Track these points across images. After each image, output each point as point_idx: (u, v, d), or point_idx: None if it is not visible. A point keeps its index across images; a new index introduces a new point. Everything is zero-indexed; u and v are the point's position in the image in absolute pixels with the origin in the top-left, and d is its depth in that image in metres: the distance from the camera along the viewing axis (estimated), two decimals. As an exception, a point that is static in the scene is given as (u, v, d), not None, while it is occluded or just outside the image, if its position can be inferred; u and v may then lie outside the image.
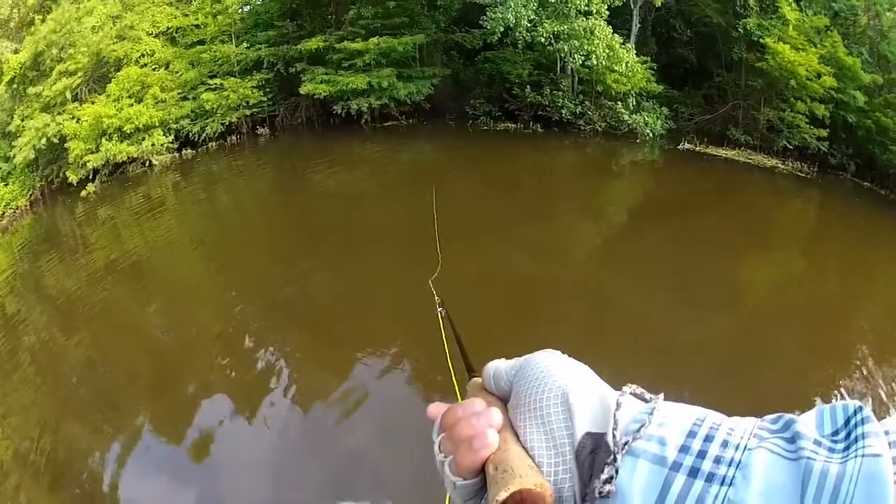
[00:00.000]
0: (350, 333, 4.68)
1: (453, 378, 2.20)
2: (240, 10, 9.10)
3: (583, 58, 8.85)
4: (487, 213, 5.95)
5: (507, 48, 10.18)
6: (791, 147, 8.09)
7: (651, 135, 8.69)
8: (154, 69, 8.98)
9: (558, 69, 10.21)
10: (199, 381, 4.60)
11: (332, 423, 3.87)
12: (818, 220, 7.12)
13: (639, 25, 10.29)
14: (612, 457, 0.34)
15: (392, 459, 3.48)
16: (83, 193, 8.93)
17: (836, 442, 0.30)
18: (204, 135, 8.39)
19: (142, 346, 5.52)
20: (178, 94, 8.68)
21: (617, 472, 0.33)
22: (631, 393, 0.37)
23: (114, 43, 9.44)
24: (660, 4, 9.06)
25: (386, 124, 8.72)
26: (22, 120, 9.92)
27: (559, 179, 7.84)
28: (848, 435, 0.30)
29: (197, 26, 9.48)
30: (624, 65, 8.85)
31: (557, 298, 4.82)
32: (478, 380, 0.47)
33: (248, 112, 8.32)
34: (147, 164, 8.47)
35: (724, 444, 0.32)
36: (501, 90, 9.74)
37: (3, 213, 10.25)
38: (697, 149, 8.38)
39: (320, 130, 8.74)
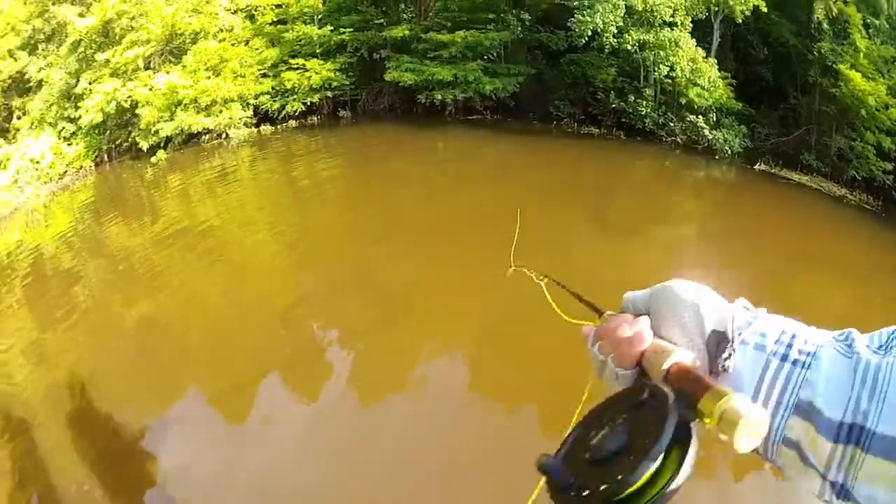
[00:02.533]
0: (420, 320, 4.82)
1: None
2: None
3: (667, 68, 8.85)
4: (565, 219, 5.94)
5: (591, 52, 10.17)
6: (859, 178, 8.05)
7: (729, 152, 8.70)
8: (232, 45, 8.91)
9: (642, 78, 10.18)
10: (255, 355, 4.67)
11: (395, 411, 3.94)
12: (875, 255, 7.07)
13: (718, 40, 10.31)
14: (730, 344, 0.49)
15: (460, 454, 3.44)
16: (153, 159, 8.98)
17: (880, 349, 0.45)
18: (283, 112, 8.43)
19: (200, 314, 5.71)
20: (258, 71, 8.74)
21: (732, 354, 0.48)
22: (742, 306, 0.51)
23: (189, 16, 9.36)
24: (741, 21, 9.06)
25: (470, 118, 8.77)
26: (89, 83, 9.93)
27: (639, 190, 7.82)
28: (888, 346, 0.45)
29: (278, 6, 9.49)
30: (706, 79, 8.85)
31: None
32: (611, 313, 0.58)
33: (329, 94, 8.38)
34: (224, 136, 8.54)
35: (805, 342, 0.47)
36: (585, 93, 9.79)
37: (66, 171, 10.25)
38: (772, 170, 8.40)
39: (403, 118, 8.74)
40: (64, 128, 10.92)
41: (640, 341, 0.50)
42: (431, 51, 9.42)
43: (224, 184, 8.61)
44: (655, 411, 0.45)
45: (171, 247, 7.40)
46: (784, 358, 0.47)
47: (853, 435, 0.42)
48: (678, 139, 10.23)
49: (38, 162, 11.11)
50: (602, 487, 0.43)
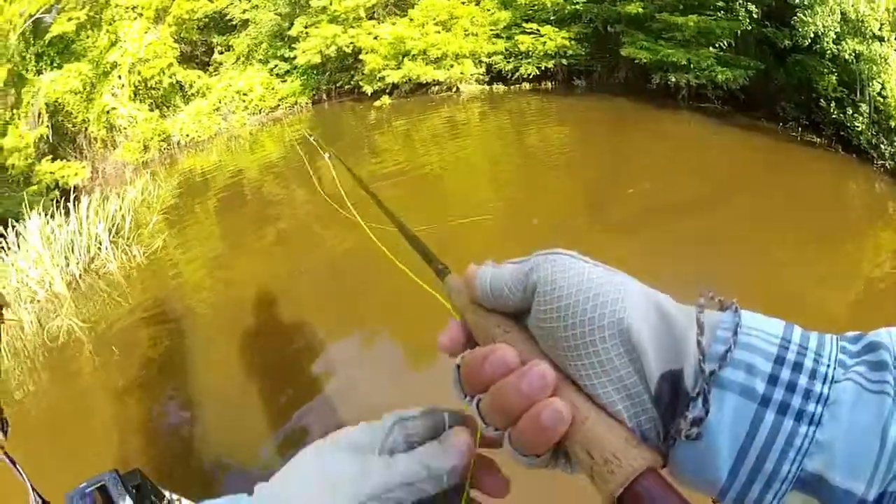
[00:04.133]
0: None
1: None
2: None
3: (879, 85, 8.46)
4: (775, 237, 5.34)
5: (814, 55, 9.79)
6: None
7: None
8: (462, 3, 9.01)
9: (858, 91, 9.78)
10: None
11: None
12: None
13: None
14: (699, 395, 0.31)
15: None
16: (377, 103, 9.27)
17: None
18: (517, 74, 8.42)
19: (401, 253, 5.42)
20: (491, 31, 8.72)
21: (707, 412, 0.30)
22: (703, 302, 0.33)
23: None
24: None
25: (701, 105, 8.53)
26: (305, 27, 10.22)
27: (849, 215, 7.24)
28: None
29: None
30: (915, 102, 8.41)
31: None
32: (457, 281, 0.42)
33: (564, 62, 8.36)
34: (454, 89, 8.75)
35: (813, 375, 0.30)
36: (810, 98, 9.34)
37: (278, 105, 10.68)
38: None
39: (636, 95, 8.66)
40: (277, 65, 11.47)
41: (556, 423, 0.31)
42: (665, 31, 9.29)
43: (451, 134, 8.79)
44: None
45: (388, 186, 7.56)
46: (784, 410, 0.30)
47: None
48: (887, 164, 9.80)
49: (245, 94, 11.66)
50: None
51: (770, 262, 4.84)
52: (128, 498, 1.56)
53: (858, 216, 6.71)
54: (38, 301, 6.17)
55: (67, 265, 6.61)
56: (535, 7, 9.79)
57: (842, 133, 10.94)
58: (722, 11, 10.91)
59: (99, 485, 1.59)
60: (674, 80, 9.46)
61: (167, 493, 1.82)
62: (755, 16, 11.37)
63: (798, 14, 10.39)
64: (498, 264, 0.37)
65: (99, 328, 5.28)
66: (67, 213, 7.32)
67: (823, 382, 0.30)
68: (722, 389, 0.30)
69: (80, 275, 6.55)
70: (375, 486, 0.36)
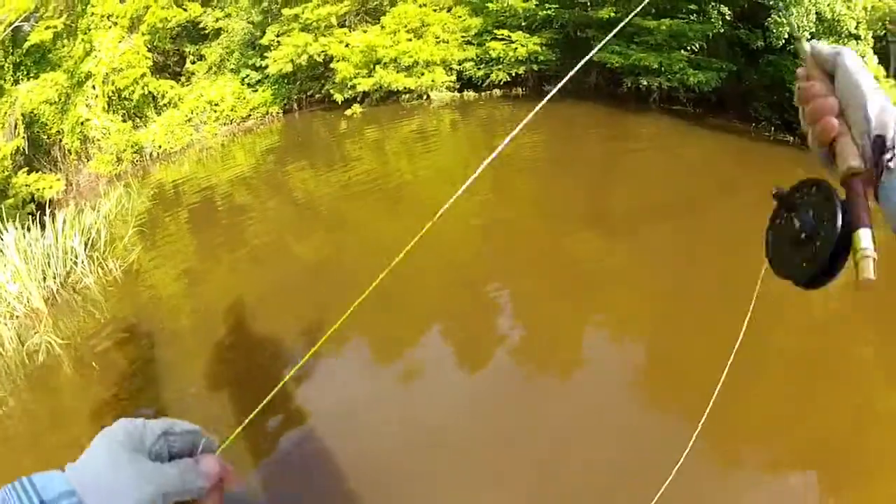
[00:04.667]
0: (605, 302, 4.70)
1: None
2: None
3: None
4: (748, 235, 5.37)
5: (787, 55, 9.80)
6: None
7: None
8: (434, 10, 8.94)
9: None
10: (426, 309, 4.82)
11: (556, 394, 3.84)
12: None
13: (896, 62, 10.01)
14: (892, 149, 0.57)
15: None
16: (348, 112, 9.18)
17: None
18: (488, 81, 8.33)
19: (375, 263, 5.38)
20: (462, 38, 8.66)
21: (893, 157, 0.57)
22: None
23: None
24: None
25: (673, 107, 8.52)
26: (277, 35, 10.13)
27: None
28: None
29: None
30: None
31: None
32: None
33: (535, 67, 8.30)
34: (425, 97, 8.65)
35: None
36: (783, 99, 9.36)
37: (249, 115, 10.55)
38: None
39: (607, 99, 8.64)
40: (248, 75, 11.38)
41: (829, 131, 0.61)
42: (637, 35, 9.26)
43: (422, 142, 8.73)
44: (831, 208, 0.59)
45: (359, 196, 7.71)
46: None
47: None
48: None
49: (216, 104, 11.52)
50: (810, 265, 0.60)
51: (743, 262, 4.82)
52: None
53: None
54: (18, 317, 6.07)
55: (44, 279, 6.52)
56: (507, 13, 9.74)
57: None
58: (694, 14, 10.96)
59: None
60: (645, 83, 9.44)
61: None
62: (728, 18, 11.41)
63: (772, 15, 10.43)
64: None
65: (77, 344, 5.23)
66: (43, 227, 7.18)
67: None
68: None
69: (57, 290, 6.47)
70: (156, 490, 0.46)
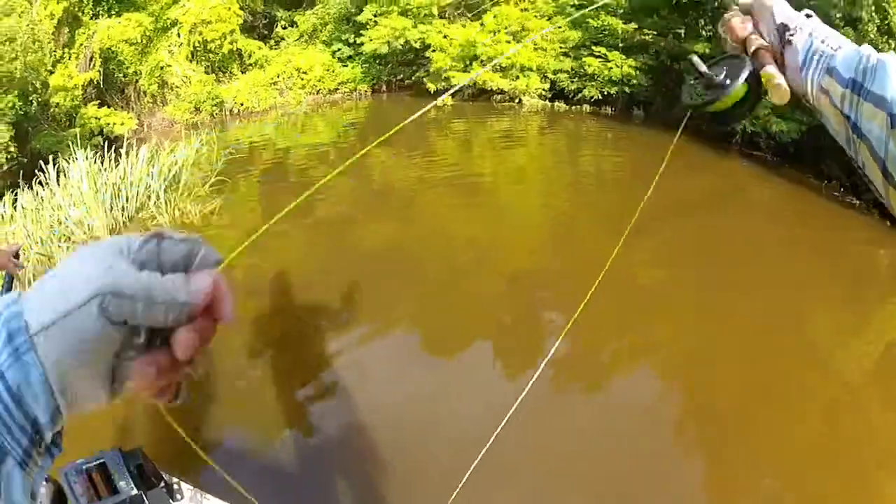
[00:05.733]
0: (661, 328, 4.67)
1: None
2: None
3: None
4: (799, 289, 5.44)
5: None
6: None
7: None
8: (535, 17, 9.20)
9: None
10: (476, 308, 4.86)
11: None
12: None
13: None
14: (790, 31, 0.79)
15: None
16: (439, 102, 9.23)
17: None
18: (580, 95, 8.57)
19: (437, 254, 5.94)
20: (560, 48, 8.89)
21: (793, 36, 0.80)
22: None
23: None
24: None
25: (753, 152, 8.71)
26: (374, 15, 10.37)
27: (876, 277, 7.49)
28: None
29: None
30: None
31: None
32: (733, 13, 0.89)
33: (626, 90, 8.48)
34: (517, 101, 8.86)
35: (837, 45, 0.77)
36: (851, 160, 9.53)
37: (337, 88, 10.83)
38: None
39: (692, 133, 8.76)
40: (340, 49, 11.66)
41: (744, 31, 0.84)
42: (728, 76, 9.50)
43: (507, 144, 9.03)
44: (742, 64, 0.85)
45: (436, 185, 7.83)
46: (830, 48, 0.75)
47: (856, 87, 0.69)
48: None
49: (304, 72, 11.80)
50: (712, 98, 0.88)
51: (792, 308, 5.02)
52: (128, 477, 1.55)
53: (885, 279, 6.88)
54: (74, 242, 6.19)
55: (110, 210, 6.63)
56: (606, 32, 9.98)
57: (881, 200, 11.18)
58: (784, 63, 11.20)
59: (99, 462, 1.57)
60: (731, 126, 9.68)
61: (166, 476, 1.82)
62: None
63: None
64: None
65: None
66: (114, 161, 7.34)
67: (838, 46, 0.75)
68: (801, 31, 0.78)
69: (124, 222, 6.64)
70: (116, 282, 0.37)
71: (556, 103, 10.17)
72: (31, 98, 10.39)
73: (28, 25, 10.13)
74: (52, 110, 12.61)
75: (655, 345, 4.62)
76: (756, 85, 0.85)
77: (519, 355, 4.35)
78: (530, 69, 9.83)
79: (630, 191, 7.71)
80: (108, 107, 13.16)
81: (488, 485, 2.81)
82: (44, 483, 1.38)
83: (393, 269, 5.42)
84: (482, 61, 9.78)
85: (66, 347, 0.37)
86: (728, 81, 0.86)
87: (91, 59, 13.82)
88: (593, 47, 9.93)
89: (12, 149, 9.86)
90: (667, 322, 4.79)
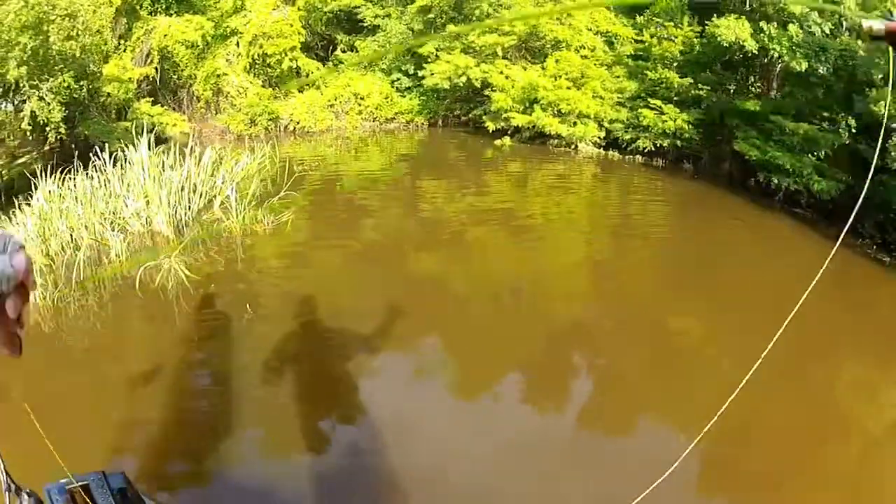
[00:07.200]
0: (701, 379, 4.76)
1: None
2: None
3: None
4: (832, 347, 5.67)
5: None
6: None
7: None
8: (595, 65, 9.64)
9: None
10: (511, 343, 4.92)
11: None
12: None
13: None
14: None
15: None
16: (498, 142, 9.99)
17: None
18: (633, 146, 9.02)
19: (478, 289, 6.08)
20: (617, 98, 9.33)
21: None
22: None
23: (553, 23, 10.20)
24: None
25: (794, 209, 9.15)
26: (436, 49, 10.82)
27: None
28: None
29: (637, 40, 10.10)
30: None
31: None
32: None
33: (679, 143, 8.93)
34: (573, 147, 9.29)
35: None
36: (887, 220, 10.01)
37: (394, 117, 11.30)
38: None
39: (737, 189, 9.35)
40: (399, 79, 12.01)
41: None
42: (774, 133, 9.93)
43: (560, 189, 9.51)
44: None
45: (485, 221, 8.06)
46: None
47: None
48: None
49: (362, 97, 12.22)
50: None
51: (824, 364, 5.20)
52: (111, 501, 1.57)
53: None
54: (130, 233, 6.41)
55: (171, 206, 6.74)
56: (663, 84, 10.40)
57: None
58: (826, 122, 11.59)
59: (82, 484, 1.60)
60: (775, 181, 10.12)
61: (147, 501, 1.88)
62: (853, 130, 12.04)
63: (893, 138, 11.05)
64: None
65: (199, 280, 5.51)
66: (175, 160, 7.35)
67: None
68: None
69: (186, 221, 6.76)
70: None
71: (610, 152, 10.79)
72: (81, 83, 10.63)
73: (90, 5, 10.34)
74: (102, 99, 12.91)
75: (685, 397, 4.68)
76: None
77: (541, 394, 4.44)
78: (587, 116, 10.37)
79: (668, 251, 8.03)
80: (161, 106, 13.53)
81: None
82: (25, 496, 1.40)
83: (431, 299, 5.50)
84: (543, 106, 10.21)
85: None
86: None
87: (148, 55, 14.18)
88: (649, 99, 10.38)
89: (62, 129, 10.21)
90: (698, 372, 4.82)
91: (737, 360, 5.23)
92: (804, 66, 10.11)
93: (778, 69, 11.87)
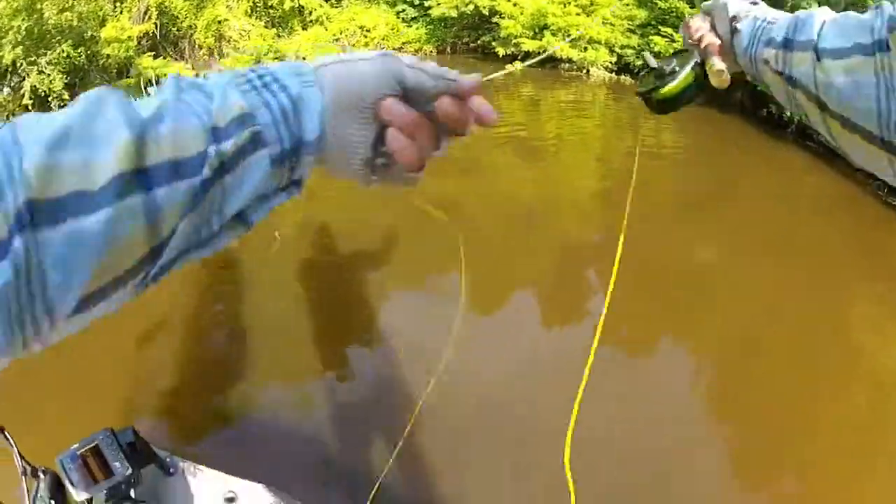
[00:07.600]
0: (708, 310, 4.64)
1: None
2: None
3: None
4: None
5: None
6: None
7: None
8: None
9: None
10: (526, 271, 4.84)
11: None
12: None
13: None
14: (737, 19, 0.93)
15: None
16: (509, 67, 9.50)
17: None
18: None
19: (489, 214, 5.99)
20: (627, 25, 9.11)
21: (739, 23, 0.92)
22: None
23: None
24: None
25: (807, 143, 8.98)
26: None
27: None
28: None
29: None
30: None
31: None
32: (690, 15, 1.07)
33: None
34: (584, 71, 9.04)
35: (774, 19, 0.85)
36: None
37: (401, 47, 11.06)
38: None
39: (748, 118, 9.22)
40: (405, 10, 11.76)
41: (697, 31, 0.99)
42: (787, 67, 9.82)
43: (574, 113, 9.27)
44: (690, 56, 1.06)
45: (501, 145, 7.89)
46: (769, 23, 0.84)
47: (787, 44, 0.75)
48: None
49: (368, 30, 11.94)
50: (660, 85, 1.12)
51: (834, 297, 5.04)
52: (122, 457, 1.58)
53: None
54: None
55: None
56: (673, 13, 10.20)
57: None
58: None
59: (92, 445, 1.59)
60: (788, 114, 9.95)
61: (159, 452, 1.86)
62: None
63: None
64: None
65: None
66: None
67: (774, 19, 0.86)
68: (746, 18, 0.90)
69: None
70: (411, 62, 0.49)
71: (622, 77, 10.51)
72: (79, 50, 10.27)
73: (82, -27, 10.13)
74: (102, 62, 12.63)
75: (696, 325, 4.58)
76: (702, 73, 1.04)
77: (562, 315, 4.40)
78: (598, 42, 10.17)
79: (682, 177, 7.84)
80: (163, 58, 13.23)
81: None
82: (41, 475, 1.46)
83: (446, 223, 5.29)
84: (553, 31, 10.02)
85: (345, 84, 0.44)
86: (677, 69, 1.09)
87: (146, 12, 13.89)
88: (660, 27, 10.18)
89: (66, 96, 10.07)
90: (708, 303, 4.73)
91: (755, 287, 4.98)
92: (818, -10, 10.07)
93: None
